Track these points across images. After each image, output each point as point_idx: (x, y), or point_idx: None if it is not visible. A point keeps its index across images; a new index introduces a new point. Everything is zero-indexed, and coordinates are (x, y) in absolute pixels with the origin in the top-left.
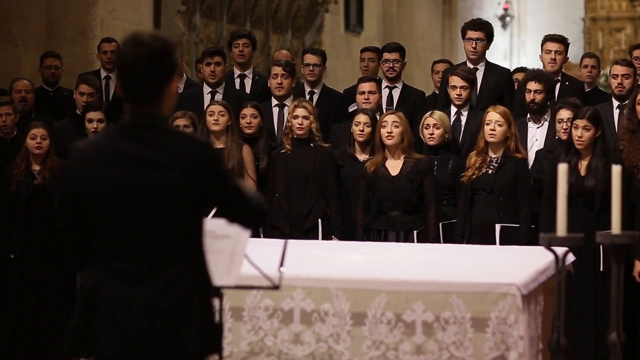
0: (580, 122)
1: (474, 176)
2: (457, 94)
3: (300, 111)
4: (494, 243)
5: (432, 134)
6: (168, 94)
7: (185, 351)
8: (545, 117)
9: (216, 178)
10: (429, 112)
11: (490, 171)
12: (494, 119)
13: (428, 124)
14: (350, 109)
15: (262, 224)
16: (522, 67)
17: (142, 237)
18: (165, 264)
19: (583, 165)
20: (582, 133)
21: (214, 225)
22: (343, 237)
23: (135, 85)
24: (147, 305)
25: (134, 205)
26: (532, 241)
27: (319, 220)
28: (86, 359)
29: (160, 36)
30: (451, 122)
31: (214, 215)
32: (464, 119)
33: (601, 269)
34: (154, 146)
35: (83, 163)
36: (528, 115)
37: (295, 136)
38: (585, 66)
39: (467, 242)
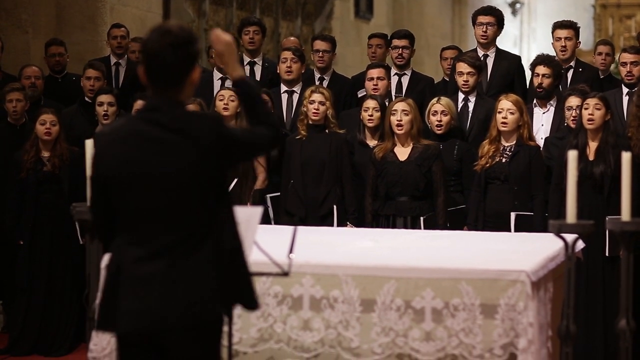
0: (592, 101)
1: (487, 165)
2: (464, 80)
3: (317, 96)
4: (509, 232)
5: (440, 120)
6: (190, 81)
7: (203, 309)
8: (552, 102)
9: (231, 149)
10: (436, 99)
11: (504, 160)
12: (506, 107)
13: (436, 111)
14: (360, 95)
15: (277, 139)
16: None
17: (162, 214)
18: (184, 239)
19: (592, 149)
20: (593, 111)
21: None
22: (357, 223)
23: (160, 72)
24: (164, 277)
25: (154, 183)
26: (546, 229)
27: (334, 206)
28: (111, 332)
29: (185, 27)
30: (459, 109)
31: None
32: (471, 105)
33: (607, 254)
34: (172, 128)
35: (105, 145)
36: (535, 101)
37: (310, 122)
38: (600, 53)
39: (481, 231)
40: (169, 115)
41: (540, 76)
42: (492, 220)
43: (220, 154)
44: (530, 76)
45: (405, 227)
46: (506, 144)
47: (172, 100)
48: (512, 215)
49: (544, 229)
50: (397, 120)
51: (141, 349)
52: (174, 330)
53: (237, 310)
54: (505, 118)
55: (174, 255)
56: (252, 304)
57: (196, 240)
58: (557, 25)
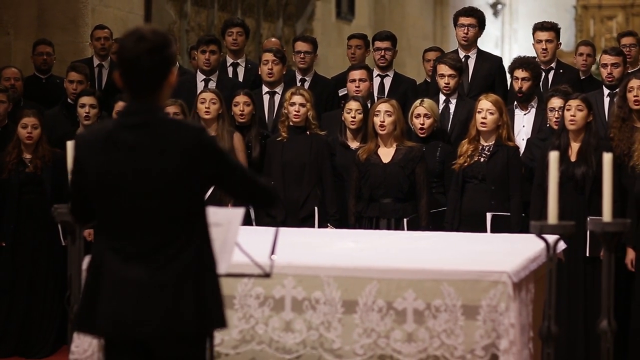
0: (574, 102)
1: (466, 164)
2: (445, 83)
3: (297, 98)
4: (485, 231)
5: (423, 123)
6: (167, 84)
7: (180, 321)
8: (532, 104)
9: (214, 159)
10: (419, 101)
11: (482, 159)
12: (486, 107)
13: (419, 114)
14: (340, 93)
15: (275, 202)
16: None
17: (142, 220)
18: (165, 245)
19: (573, 150)
20: (575, 112)
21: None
22: (338, 225)
23: (137, 78)
24: (144, 282)
25: (134, 190)
26: (523, 230)
27: (315, 208)
28: (90, 334)
29: (159, 31)
30: (440, 110)
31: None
32: (452, 107)
33: (588, 255)
34: (152, 133)
35: (85, 149)
36: (515, 103)
37: (291, 123)
38: (581, 54)
39: (457, 231)
40: (148, 121)
41: (520, 80)
42: (468, 220)
43: (199, 164)
44: (510, 78)
45: (389, 228)
46: (485, 144)
47: (150, 105)
48: (489, 215)
49: (521, 230)
50: (381, 121)
51: (126, 350)
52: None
53: None
54: (484, 118)
55: (153, 261)
56: (221, 323)
57: (176, 248)
58: (538, 27)
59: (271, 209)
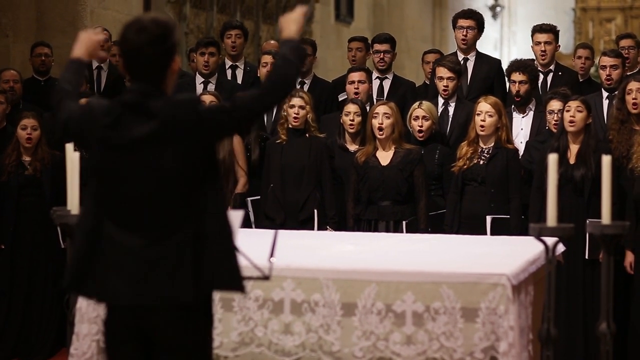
0: (573, 104)
1: (465, 167)
2: (444, 85)
3: (296, 101)
4: (484, 234)
5: (421, 126)
6: (171, 72)
7: (179, 289)
8: (530, 106)
9: (212, 122)
10: (417, 103)
11: (481, 162)
12: (484, 110)
13: (417, 116)
14: (340, 98)
15: (292, 84)
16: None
17: (145, 194)
18: (166, 217)
19: (572, 152)
20: (574, 113)
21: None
22: (337, 227)
23: (140, 68)
24: (143, 252)
25: (137, 171)
26: (523, 232)
27: (315, 210)
28: (85, 296)
29: (160, 19)
30: (439, 112)
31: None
32: (451, 110)
33: (587, 257)
34: (155, 115)
35: (91, 120)
36: (513, 106)
37: (290, 126)
38: (579, 57)
39: (457, 233)
40: (151, 103)
41: (517, 83)
42: (467, 222)
43: (204, 134)
44: (508, 81)
45: (388, 231)
46: (484, 146)
47: (154, 89)
48: (488, 218)
49: (520, 232)
50: (379, 124)
51: (128, 339)
52: (153, 310)
53: (218, 315)
54: (483, 120)
55: (153, 233)
56: (236, 285)
57: (177, 221)
58: (537, 29)
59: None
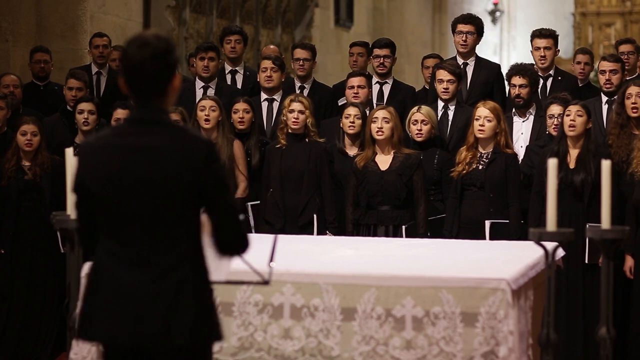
0: (573, 108)
1: (464, 171)
2: (444, 88)
3: (296, 105)
4: (484, 239)
5: (420, 129)
6: (172, 89)
7: (178, 333)
8: (531, 111)
9: (214, 177)
10: (417, 107)
11: (480, 167)
12: (483, 115)
13: (416, 120)
14: (340, 103)
15: (242, 252)
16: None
17: (143, 223)
18: (163, 251)
19: (572, 157)
20: (574, 118)
21: (204, 220)
22: (337, 232)
23: (142, 84)
24: (142, 291)
25: (137, 193)
26: (522, 237)
27: (314, 215)
28: (88, 341)
29: (162, 35)
30: (438, 117)
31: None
32: (451, 114)
33: (586, 261)
34: (159, 138)
35: (89, 153)
36: (513, 110)
37: (290, 131)
38: (579, 62)
39: (456, 238)
40: (155, 125)
41: (517, 87)
42: (467, 227)
43: (202, 176)
44: (508, 85)
45: (387, 236)
46: (483, 151)
47: (157, 109)
48: (487, 223)
49: (519, 237)
50: (378, 128)
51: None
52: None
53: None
54: (482, 125)
55: (152, 269)
56: (217, 336)
57: (175, 257)
58: (536, 34)
59: (232, 256)
